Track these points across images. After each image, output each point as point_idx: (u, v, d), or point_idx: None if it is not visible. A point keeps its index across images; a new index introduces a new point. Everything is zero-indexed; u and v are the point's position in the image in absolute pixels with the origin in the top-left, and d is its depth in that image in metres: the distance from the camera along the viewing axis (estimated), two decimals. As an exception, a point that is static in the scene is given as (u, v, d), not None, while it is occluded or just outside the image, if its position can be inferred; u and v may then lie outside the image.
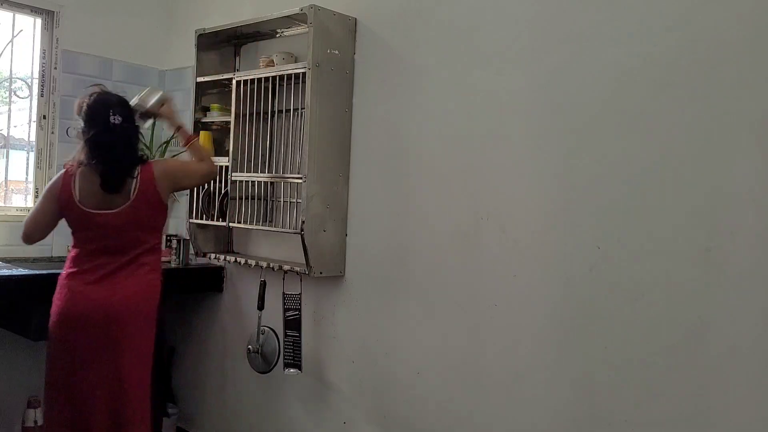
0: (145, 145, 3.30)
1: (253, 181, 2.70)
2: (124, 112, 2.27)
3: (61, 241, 3.13)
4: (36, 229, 2.33)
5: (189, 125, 3.00)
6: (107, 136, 2.22)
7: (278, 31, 2.79)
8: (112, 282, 2.24)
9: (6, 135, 3.12)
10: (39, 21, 3.14)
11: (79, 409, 2.20)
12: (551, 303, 1.95)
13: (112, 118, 2.23)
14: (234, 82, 2.74)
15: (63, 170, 2.29)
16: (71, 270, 2.27)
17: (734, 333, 1.62)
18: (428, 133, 2.28)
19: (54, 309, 2.23)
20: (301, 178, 2.43)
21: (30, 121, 3.15)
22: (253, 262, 2.71)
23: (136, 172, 2.25)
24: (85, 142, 2.23)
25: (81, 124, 2.25)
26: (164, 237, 3.31)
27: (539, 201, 1.98)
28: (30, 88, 3.14)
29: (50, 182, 2.33)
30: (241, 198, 2.71)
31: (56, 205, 2.28)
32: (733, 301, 1.62)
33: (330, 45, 2.43)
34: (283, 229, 2.56)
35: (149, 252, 2.32)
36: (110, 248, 2.26)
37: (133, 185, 2.24)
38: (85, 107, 2.26)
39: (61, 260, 3.09)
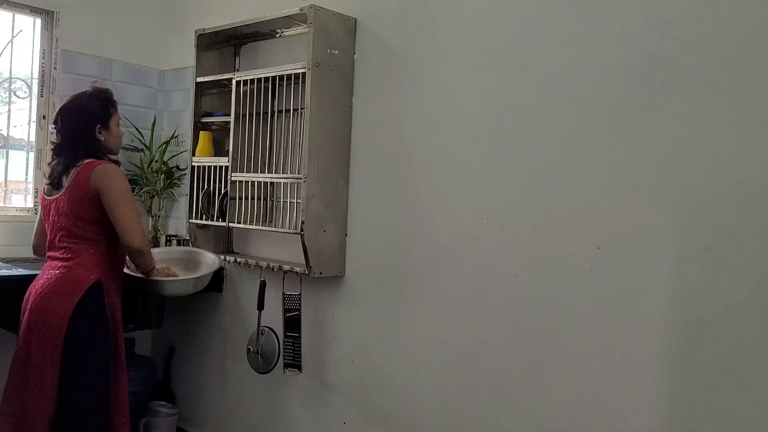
0: (145, 145, 3.30)
1: (252, 181, 2.70)
2: (61, 117, 2.33)
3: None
4: (35, 234, 2.48)
5: (189, 125, 3.01)
6: (57, 140, 2.35)
7: (278, 31, 2.79)
8: (45, 271, 2.30)
9: (6, 135, 3.12)
10: (39, 21, 3.14)
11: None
12: (551, 303, 1.95)
13: (51, 127, 2.39)
14: (234, 82, 2.74)
15: None
16: None
17: (734, 333, 1.62)
18: (428, 133, 2.28)
19: None
20: (301, 178, 2.43)
21: (30, 121, 3.15)
22: (253, 262, 2.71)
23: (80, 163, 2.28)
24: None
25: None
26: (163, 235, 3.32)
27: (539, 201, 1.98)
28: (30, 88, 3.14)
29: None
30: (240, 198, 2.71)
31: (41, 205, 2.42)
32: (733, 301, 1.62)
33: (330, 45, 2.43)
34: (282, 229, 2.56)
35: (85, 245, 2.27)
36: (54, 238, 2.32)
37: (71, 174, 2.27)
38: None
39: (62, 260, 3.09)
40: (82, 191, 2.24)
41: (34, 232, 2.49)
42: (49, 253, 2.34)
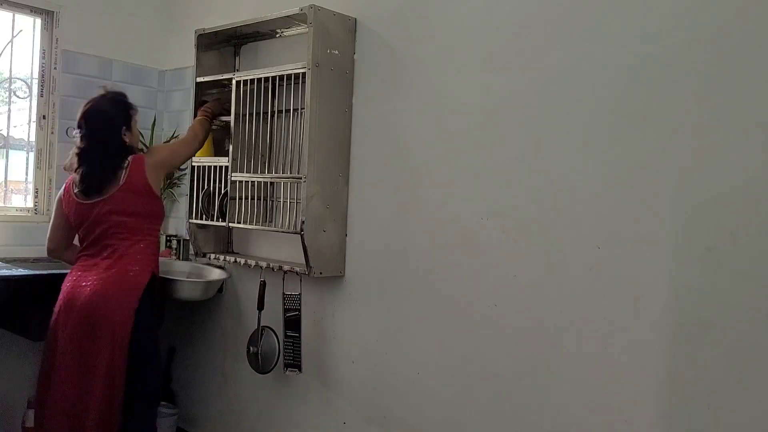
0: (145, 145, 3.30)
1: (253, 181, 2.70)
2: (86, 122, 2.39)
3: (61, 241, 3.13)
4: (51, 238, 2.50)
5: (189, 125, 3.00)
6: (82, 144, 2.39)
7: (278, 31, 2.79)
8: (92, 270, 2.33)
9: (6, 135, 3.12)
10: (39, 21, 3.14)
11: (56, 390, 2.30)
12: (551, 303, 1.95)
13: (75, 131, 2.43)
14: (234, 82, 2.73)
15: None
16: (75, 265, 2.42)
17: (734, 333, 1.62)
18: (428, 133, 2.28)
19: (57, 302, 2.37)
20: (301, 178, 2.43)
21: (30, 121, 3.15)
22: (253, 263, 2.71)
23: (126, 163, 2.38)
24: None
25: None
26: (163, 235, 3.32)
27: (539, 201, 1.98)
28: (30, 88, 3.14)
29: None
30: (240, 198, 2.71)
31: (62, 208, 2.44)
32: (733, 301, 1.62)
33: (330, 45, 2.43)
34: (282, 229, 2.56)
35: (136, 241, 2.36)
36: (98, 238, 2.36)
37: (123, 174, 2.36)
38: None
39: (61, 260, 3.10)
40: (140, 183, 2.36)
41: (50, 235, 2.50)
42: (85, 253, 2.38)
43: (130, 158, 2.39)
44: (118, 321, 2.25)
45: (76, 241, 2.52)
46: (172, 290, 2.77)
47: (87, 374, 2.25)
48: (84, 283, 2.30)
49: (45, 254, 3.06)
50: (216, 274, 2.96)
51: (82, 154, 2.38)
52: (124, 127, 2.42)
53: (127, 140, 2.43)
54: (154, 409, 2.42)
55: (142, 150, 2.53)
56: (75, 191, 2.39)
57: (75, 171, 2.39)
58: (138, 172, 2.37)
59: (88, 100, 2.43)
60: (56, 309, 2.34)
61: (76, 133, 2.40)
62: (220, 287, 3.06)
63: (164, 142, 3.30)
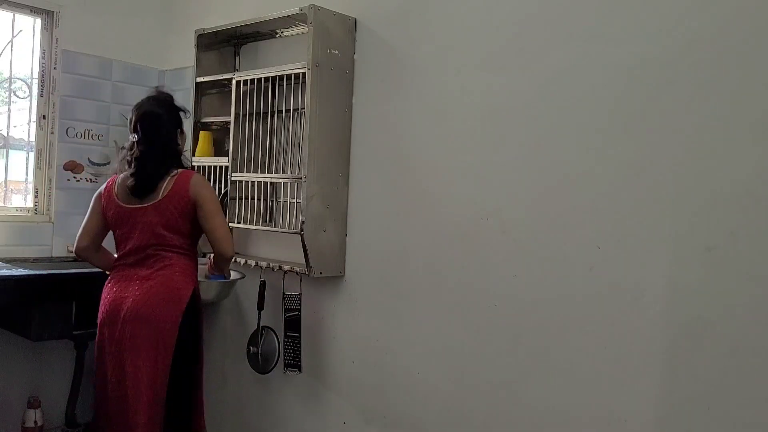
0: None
1: (252, 181, 2.70)
2: (143, 125, 2.31)
3: (61, 241, 3.14)
4: (83, 236, 2.38)
5: (189, 125, 3.01)
6: (139, 150, 2.31)
7: (278, 31, 2.79)
8: (133, 281, 2.30)
9: (6, 135, 3.12)
10: (39, 21, 3.14)
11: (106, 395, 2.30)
12: (551, 303, 1.95)
13: (132, 135, 2.35)
14: (234, 82, 2.74)
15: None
16: (112, 270, 2.39)
17: (734, 333, 1.62)
18: (428, 133, 2.28)
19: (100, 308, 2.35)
20: (301, 178, 2.43)
21: (30, 121, 3.15)
22: (253, 262, 2.71)
23: (174, 173, 2.32)
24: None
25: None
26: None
27: (539, 201, 1.98)
28: (30, 88, 3.14)
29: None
30: (241, 198, 2.72)
31: (100, 205, 2.38)
32: (733, 301, 1.62)
33: (330, 45, 2.43)
34: (282, 229, 2.56)
35: (177, 255, 2.33)
36: (139, 247, 2.31)
37: (165, 184, 2.30)
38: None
39: (62, 260, 3.11)
40: (182, 203, 2.29)
41: (82, 233, 2.38)
42: (124, 262, 2.34)
43: (179, 171, 2.32)
44: (162, 332, 2.23)
45: (104, 244, 2.47)
46: None
47: (135, 385, 2.23)
48: (125, 295, 2.26)
49: (45, 254, 3.09)
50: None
51: (140, 159, 2.29)
52: (178, 130, 2.40)
53: (179, 143, 2.40)
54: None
55: (193, 168, 2.46)
56: (116, 191, 2.33)
57: (126, 171, 2.33)
58: (183, 187, 2.29)
59: (139, 104, 2.37)
60: (99, 322, 2.31)
61: (131, 138, 2.33)
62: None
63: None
